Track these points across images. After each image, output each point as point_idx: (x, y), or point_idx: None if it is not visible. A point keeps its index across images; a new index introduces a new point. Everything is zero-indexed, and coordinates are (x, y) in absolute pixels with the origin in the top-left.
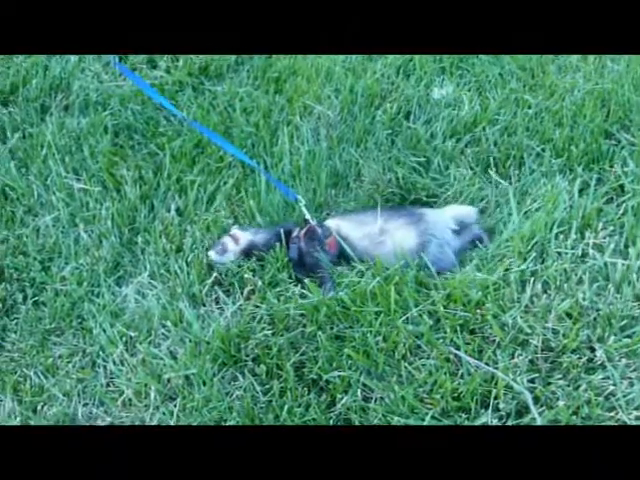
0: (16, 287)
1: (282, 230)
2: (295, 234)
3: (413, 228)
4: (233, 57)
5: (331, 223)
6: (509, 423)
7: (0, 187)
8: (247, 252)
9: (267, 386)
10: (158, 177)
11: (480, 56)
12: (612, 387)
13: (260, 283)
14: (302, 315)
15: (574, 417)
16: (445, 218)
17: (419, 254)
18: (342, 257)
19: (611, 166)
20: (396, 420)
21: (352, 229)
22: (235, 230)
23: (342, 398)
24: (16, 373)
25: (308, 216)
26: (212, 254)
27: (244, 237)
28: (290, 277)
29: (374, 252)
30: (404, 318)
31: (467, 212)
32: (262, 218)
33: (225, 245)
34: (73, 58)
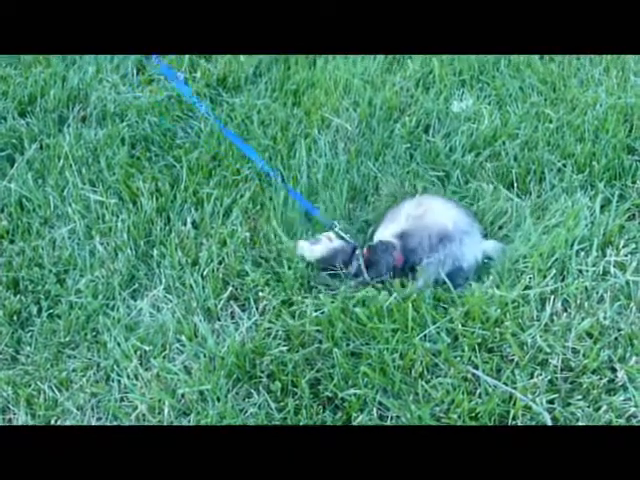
0: (31, 299)
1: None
2: (358, 252)
3: (452, 205)
4: (251, 69)
5: (382, 237)
6: None
7: (17, 198)
8: (330, 258)
9: (282, 403)
10: (175, 189)
11: (500, 69)
12: (633, 409)
13: (275, 302)
14: (318, 331)
15: None
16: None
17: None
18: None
19: (634, 182)
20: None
21: (395, 227)
22: (332, 234)
23: (358, 417)
24: (30, 386)
25: (348, 239)
26: (303, 242)
27: (338, 242)
28: (305, 292)
29: (415, 229)
30: (421, 335)
31: (493, 246)
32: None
33: (320, 240)
34: (91, 69)
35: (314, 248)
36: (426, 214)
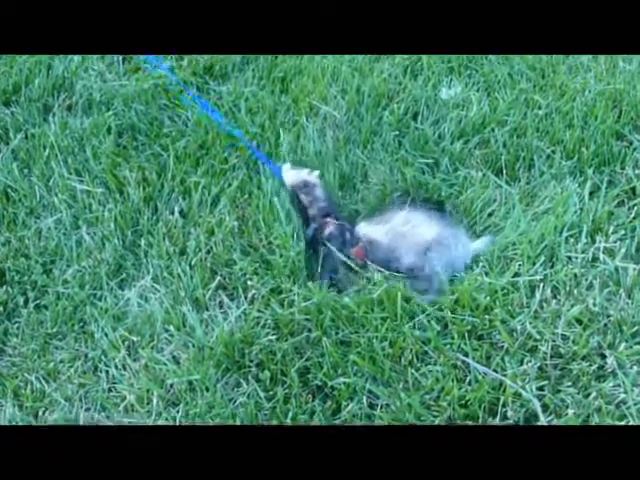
0: (17, 290)
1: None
2: (328, 221)
3: (437, 223)
4: (238, 57)
5: (360, 229)
6: None
7: (2, 188)
8: (302, 187)
9: (271, 392)
10: (162, 179)
11: (489, 56)
12: (623, 395)
13: (264, 290)
14: (307, 320)
15: None
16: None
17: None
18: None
19: (622, 168)
20: None
21: (376, 231)
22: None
23: (347, 405)
24: (17, 378)
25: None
26: (287, 165)
27: (316, 182)
28: (294, 282)
29: (397, 247)
30: (410, 323)
31: (483, 242)
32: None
33: (302, 170)
34: (76, 57)
35: (291, 172)
36: (409, 231)
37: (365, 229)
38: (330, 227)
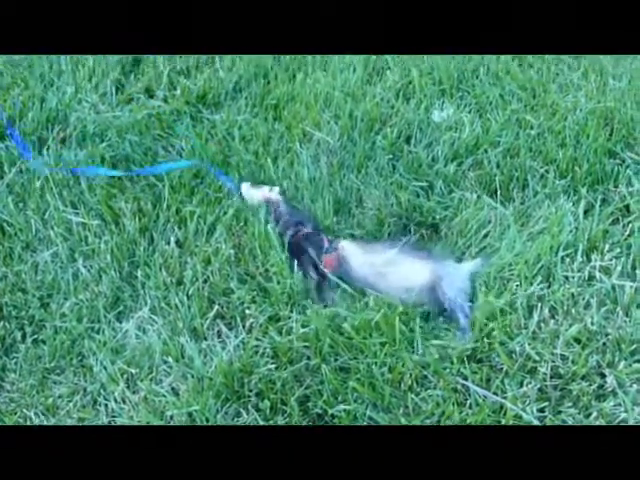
0: (15, 325)
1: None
2: (300, 227)
3: (425, 265)
4: (231, 85)
5: (341, 243)
6: None
7: None
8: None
9: (271, 422)
10: (157, 209)
11: (480, 77)
12: (624, 414)
13: (262, 318)
14: (306, 347)
15: None
16: (463, 268)
17: (430, 293)
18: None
19: (616, 186)
20: None
21: (356, 254)
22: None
23: None
24: (16, 414)
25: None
26: (245, 184)
27: (277, 197)
28: (292, 308)
29: (375, 283)
30: (409, 348)
31: (474, 263)
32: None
33: (261, 188)
34: (70, 89)
35: (251, 190)
36: (392, 272)
37: (345, 245)
38: (305, 235)
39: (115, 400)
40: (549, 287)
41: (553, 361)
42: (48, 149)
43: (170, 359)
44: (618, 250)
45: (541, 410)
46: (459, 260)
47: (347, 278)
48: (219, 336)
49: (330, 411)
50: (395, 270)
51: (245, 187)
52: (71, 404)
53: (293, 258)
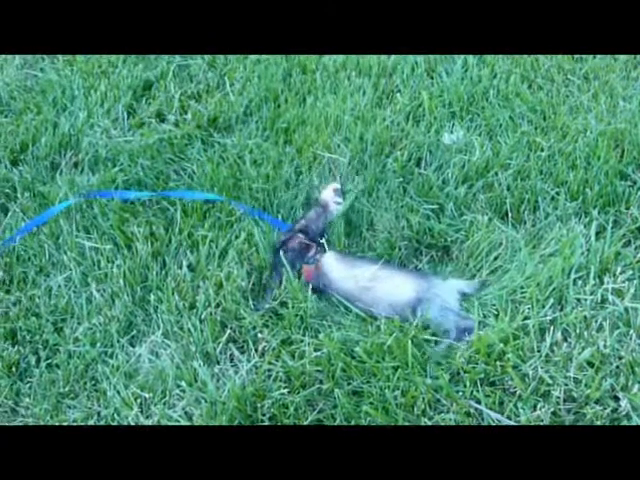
0: (29, 350)
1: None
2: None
3: (411, 281)
4: (241, 108)
5: (325, 256)
6: None
7: (12, 248)
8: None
9: None
10: (169, 233)
11: (490, 99)
12: None
13: (274, 342)
14: (318, 371)
15: None
16: (450, 285)
17: (415, 310)
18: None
19: (627, 208)
20: None
21: (339, 269)
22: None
23: None
24: None
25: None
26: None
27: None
28: (304, 334)
29: (359, 296)
30: (422, 372)
31: (467, 283)
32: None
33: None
34: (82, 114)
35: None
36: (377, 287)
37: (329, 261)
38: (294, 241)
39: (129, 425)
40: (561, 310)
41: (566, 384)
42: (61, 174)
43: (183, 383)
44: (630, 272)
45: None
46: (445, 278)
47: (328, 290)
48: (231, 360)
49: None
50: (380, 286)
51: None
52: None
53: (277, 255)
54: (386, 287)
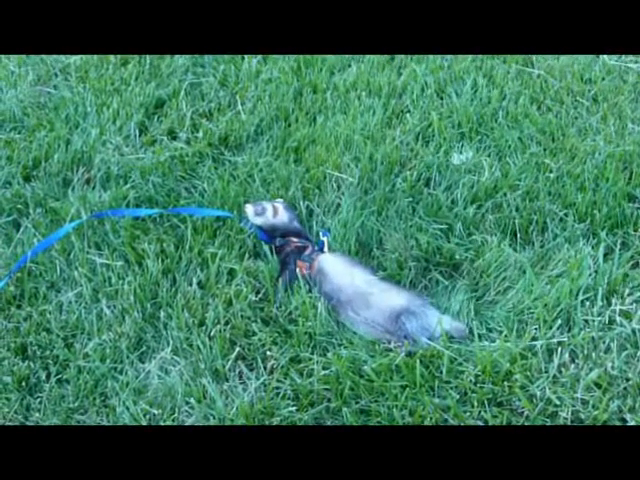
0: (39, 365)
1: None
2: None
3: (406, 295)
4: (252, 127)
5: (323, 256)
6: None
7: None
8: (273, 229)
9: None
10: (180, 250)
11: (499, 120)
12: None
13: (283, 360)
14: (327, 389)
15: None
16: (441, 318)
17: (399, 317)
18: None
19: (635, 230)
20: None
21: (336, 265)
22: (280, 204)
23: None
24: None
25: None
26: (250, 208)
27: (283, 215)
28: (312, 352)
29: (352, 295)
30: (430, 391)
31: (457, 327)
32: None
33: (265, 210)
34: (94, 132)
35: (256, 218)
36: (373, 293)
37: (325, 260)
38: (290, 246)
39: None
40: (569, 331)
41: (574, 405)
42: (73, 190)
43: (192, 400)
44: (638, 294)
45: None
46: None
47: (320, 289)
48: (240, 377)
49: None
50: (375, 290)
51: (249, 208)
52: None
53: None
54: (381, 292)
